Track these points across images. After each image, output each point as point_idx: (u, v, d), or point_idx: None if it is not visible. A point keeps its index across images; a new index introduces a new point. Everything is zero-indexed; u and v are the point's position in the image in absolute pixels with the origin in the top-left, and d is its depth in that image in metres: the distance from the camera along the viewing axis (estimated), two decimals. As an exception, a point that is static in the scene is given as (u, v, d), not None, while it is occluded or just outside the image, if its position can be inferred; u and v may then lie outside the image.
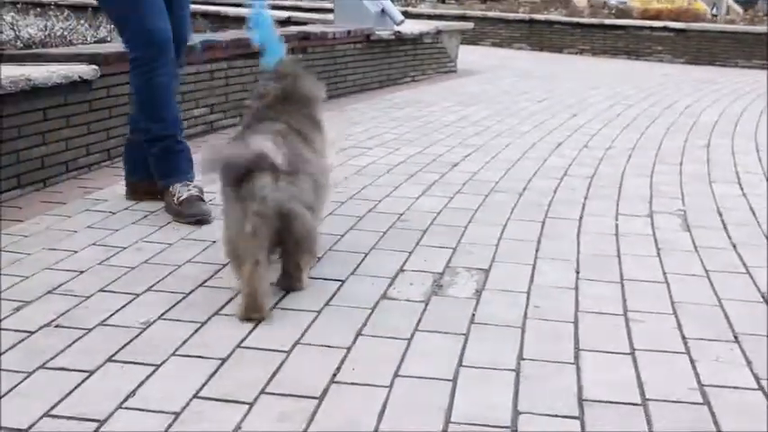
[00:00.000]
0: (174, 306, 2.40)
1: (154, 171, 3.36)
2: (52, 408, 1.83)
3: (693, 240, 3.19)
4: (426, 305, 2.46)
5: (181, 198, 3.24)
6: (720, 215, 3.57)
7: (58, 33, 5.81)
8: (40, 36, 5.58)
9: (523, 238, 3.13)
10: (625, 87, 8.27)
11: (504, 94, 7.44)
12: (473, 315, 2.39)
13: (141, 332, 2.22)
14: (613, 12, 13.72)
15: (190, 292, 2.50)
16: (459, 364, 2.09)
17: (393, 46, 7.72)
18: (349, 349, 2.15)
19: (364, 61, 7.27)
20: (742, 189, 4.08)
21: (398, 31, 7.69)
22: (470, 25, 10.47)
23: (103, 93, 4.13)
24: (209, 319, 2.32)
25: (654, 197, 3.84)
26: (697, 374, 2.07)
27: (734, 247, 3.12)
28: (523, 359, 2.12)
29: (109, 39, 5.91)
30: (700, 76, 9.94)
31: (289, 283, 2.51)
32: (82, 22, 6.75)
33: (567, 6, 14.51)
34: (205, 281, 2.59)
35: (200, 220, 3.17)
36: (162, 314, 2.34)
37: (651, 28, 12.54)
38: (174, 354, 2.10)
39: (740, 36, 12.17)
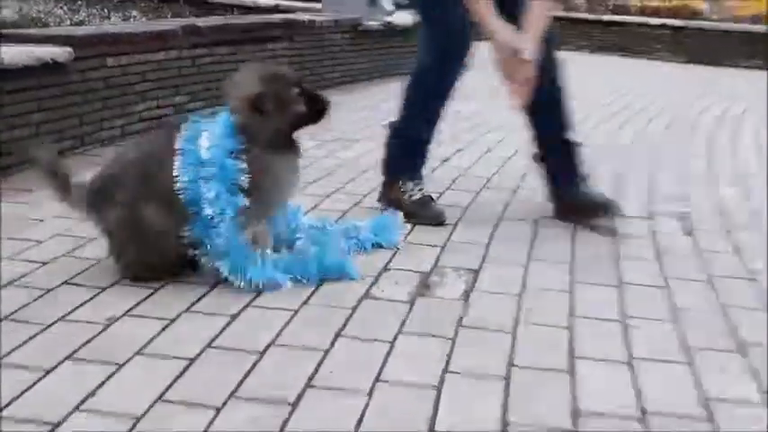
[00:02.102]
0: (141, 302, 2.31)
1: (388, 161, 3.33)
2: (2, 409, 1.73)
3: (696, 243, 3.13)
4: (412, 306, 2.38)
5: (413, 198, 3.20)
6: (723, 217, 3.50)
7: (34, 15, 5.71)
8: (15, 18, 5.49)
9: (516, 237, 3.05)
10: (624, 84, 8.22)
11: (496, 88, 7.36)
12: (461, 318, 2.31)
13: (105, 329, 2.13)
14: (610, 8, 13.66)
15: (159, 287, 2.41)
16: (445, 370, 2.00)
17: (384, 37, 7.63)
18: (327, 352, 2.07)
19: (353, 52, 7.19)
20: (744, 192, 4.02)
21: (389, 22, 7.61)
22: (465, 18, 10.39)
23: (78, 77, 4.03)
24: (179, 316, 2.23)
25: (654, 198, 3.78)
26: (700, 386, 2.00)
27: (737, 250, 3.05)
28: (514, 366, 2.04)
29: (87, 22, 5.81)
30: (699, 74, 9.89)
31: None
32: (61, 5, 6.66)
33: (564, 1, 14.46)
34: (175, 276, 2.50)
35: (441, 222, 3.14)
36: (128, 310, 2.25)
37: (649, 26, 12.50)
38: (138, 353, 2.01)
39: (741, 35, 12.14)
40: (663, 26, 12.39)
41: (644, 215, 3.47)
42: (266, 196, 2.46)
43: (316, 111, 2.50)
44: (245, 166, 2.37)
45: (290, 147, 2.51)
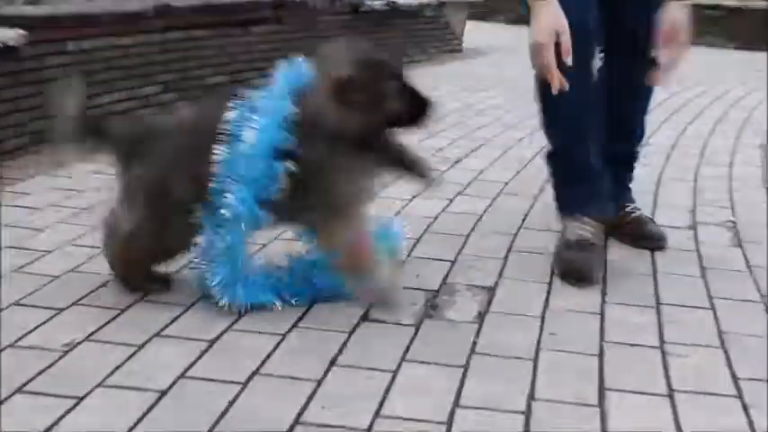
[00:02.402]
0: (105, 324, 2.33)
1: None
2: (-57, 449, 1.75)
3: (746, 258, 3.15)
4: (417, 330, 2.39)
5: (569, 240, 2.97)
6: (777, 228, 3.52)
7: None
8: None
9: (537, 250, 3.07)
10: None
11: (518, 79, 7.38)
12: (474, 343, 2.33)
13: (63, 356, 2.14)
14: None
15: (126, 308, 2.43)
16: (456, 403, 2.01)
17: (387, 19, 7.68)
18: (319, 382, 2.08)
19: (352, 36, 7.20)
20: (804, 198, 4.04)
21: (393, 2, 7.67)
22: (481, -2, 10.48)
23: (33, 63, 4.06)
24: (148, 341, 2.24)
25: (698, 205, 3.80)
26: (751, 422, 2.01)
27: (792, 266, 3.07)
28: (534, 399, 2.05)
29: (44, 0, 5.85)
30: (754, 62, 9.92)
31: None
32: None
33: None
34: (145, 295, 2.52)
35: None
36: (90, 334, 2.26)
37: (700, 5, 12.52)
38: (101, 384, 2.02)
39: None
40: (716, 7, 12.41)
41: (686, 224, 3.49)
42: (337, 202, 2.42)
43: (415, 113, 2.42)
44: (294, 168, 2.33)
45: (372, 149, 2.43)
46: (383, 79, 2.38)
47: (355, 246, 2.43)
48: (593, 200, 3.04)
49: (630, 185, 3.33)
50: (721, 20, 12.26)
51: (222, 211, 2.33)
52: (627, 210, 3.24)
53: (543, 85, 2.86)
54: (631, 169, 3.33)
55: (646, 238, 3.18)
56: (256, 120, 2.35)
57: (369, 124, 2.37)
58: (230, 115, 2.37)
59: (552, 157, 3.13)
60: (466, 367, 2.19)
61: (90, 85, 4.41)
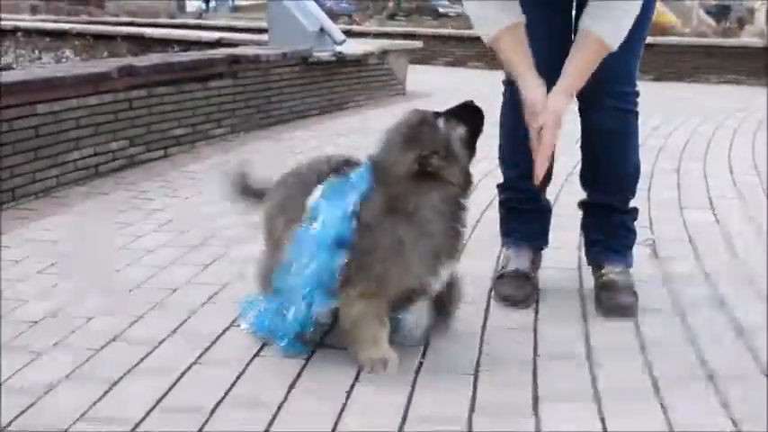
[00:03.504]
0: (81, 364, 2.34)
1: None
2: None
3: (663, 271, 3.21)
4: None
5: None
6: (693, 244, 3.60)
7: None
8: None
9: (476, 274, 3.09)
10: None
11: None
12: (420, 364, 2.36)
13: (43, 396, 2.15)
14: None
15: (101, 348, 2.44)
16: (404, 419, 2.05)
17: (334, 68, 7.73)
18: (280, 406, 2.11)
19: (302, 86, 7.27)
20: (716, 216, 4.13)
21: (340, 52, 7.71)
22: (419, 44, 10.59)
23: (5, 126, 4.05)
24: (122, 377, 2.26)
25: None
26: (669, 422, 2.06)
27: (707, 277, 3.14)
28: (475, 411, 2.10)
29: (15, 65, 5.84)
30: (669, 93, 10.09)
31: None
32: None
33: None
34: (118, 335, 2.53)
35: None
36: (68, 374, 2.27)
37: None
38: (80, 419, 2.03)
39: (713, 50, 12.46)
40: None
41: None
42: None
43: (474, 122, 2.35)
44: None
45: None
46: (436, 128, 2.30)
47: None
48: (535, 233, 3.02)
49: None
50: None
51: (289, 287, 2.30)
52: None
53: (504, 123, 2.91)
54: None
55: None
56: (330, 204, 2.30)
57: (467, 166, 2.33)
58: (317, 191, 2.35)
59: (502, 188, 3.07)
60: (413, 385, 2.23)
61: (60, 143, 4.43)
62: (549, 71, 2.57)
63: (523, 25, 2.58)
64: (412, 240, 2.24)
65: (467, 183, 2.33)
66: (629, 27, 2.54)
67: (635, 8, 2.53)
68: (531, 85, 2.57)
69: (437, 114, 2.32)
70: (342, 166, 2.41)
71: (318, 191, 2.35)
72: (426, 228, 2.25)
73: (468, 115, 2.35)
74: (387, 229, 2.23)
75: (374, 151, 2.34)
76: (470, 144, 2.34)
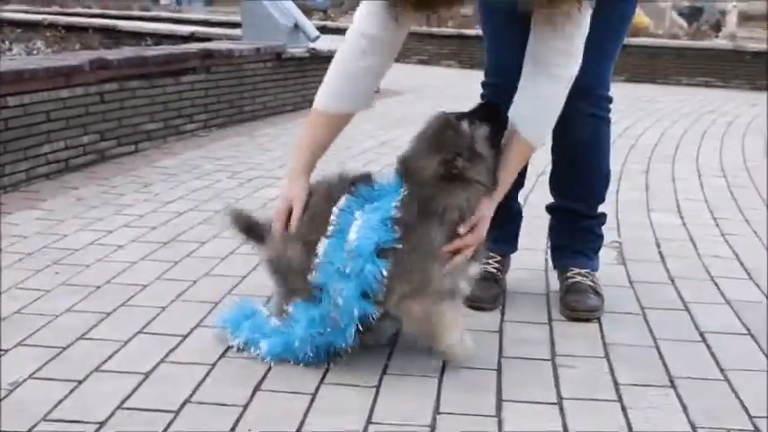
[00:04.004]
0: (48, 362, 2.33)
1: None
2: None
3: (628, 274, 3.24)
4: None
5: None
6: (659, 247, 3.63)
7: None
8: None
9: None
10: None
11: (429, 116, 7.48)
12: (386, 366, 2.37)
13: (8, 395, 2.14)
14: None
15: (67, 346, 2.43)
16: (369, 420, 2.06)
17: (308, 64, 7.72)
18: (245, 407, 2.11)
19: (276, 81, 7.26)
20: (682, 219, 4.17)
21: (313, 48, 7.70)
22: (393, 41, 10.55)
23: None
24: (88, 376, 2.26)
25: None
26: (629, 424, 2.09)
27: (672, 281, 3.18)
28: (440, 413, 2.11)
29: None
30: (641, 94, 10.17)
31: None
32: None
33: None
34: (85, 333, 2.53)
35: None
36: (33, 372, 2.27)
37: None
38: (44, 419, 2.03)
39: (684, 52, 12.57)
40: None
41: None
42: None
43: (497, 122, 2.38)
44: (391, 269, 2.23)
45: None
46: (459, 130, 2.32)
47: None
48: (504, 237, 2.98)
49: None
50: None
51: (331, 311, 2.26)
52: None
53: None
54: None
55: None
56: (363, 212, 2.29)
57: (493, 165, 2.35)
58: (342, 202, 2.34)
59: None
60: (378, 387, 2.24)
61: (30, 136, 4.40)
62: (507, 75, 2.57)
63: (350, 117, 2.62)
64: (442, 242, 2.28)
65: (495, 181, 2.36)
66: (553, 123, 2.53)
67: (559, 107, 2.49)
68: (294, 176, 2.63)
69: (460, 116, 2.34)
70: (356, 180, 2.42)
71: (342, 202, 2.34)
72: (454, 228, 2.29)
73: (491, 115, 2.38)
74: (422, 231, 2.26)
75: (403, 157, 2.36)
76: (495, 143, 2.37)
